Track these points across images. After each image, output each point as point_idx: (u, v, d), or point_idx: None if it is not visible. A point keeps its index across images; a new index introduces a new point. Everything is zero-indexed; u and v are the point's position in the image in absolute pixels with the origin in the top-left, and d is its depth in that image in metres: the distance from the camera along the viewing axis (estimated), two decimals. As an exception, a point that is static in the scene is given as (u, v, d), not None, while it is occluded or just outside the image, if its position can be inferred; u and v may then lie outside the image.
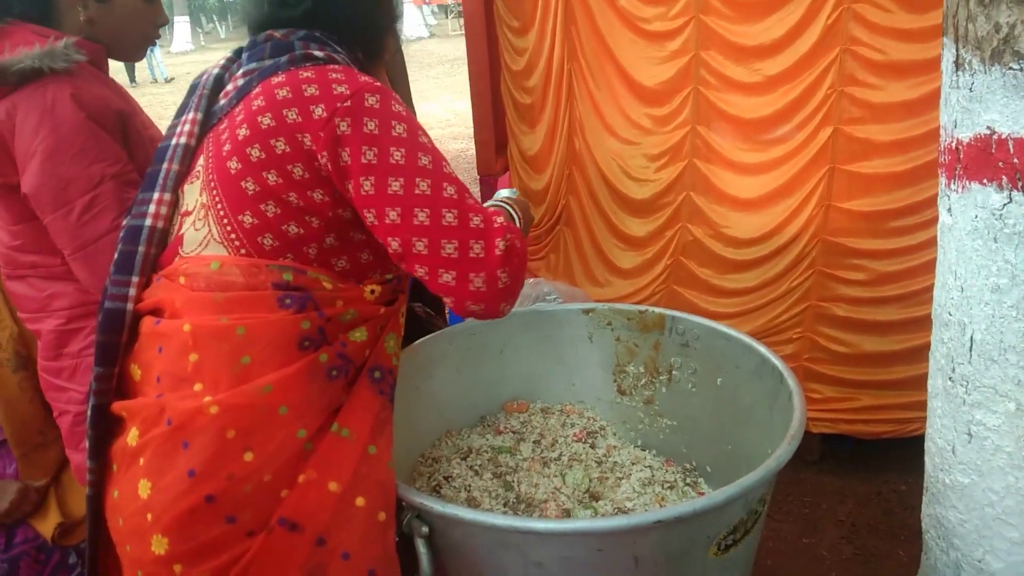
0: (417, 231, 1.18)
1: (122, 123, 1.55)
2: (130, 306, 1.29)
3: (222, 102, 1.35)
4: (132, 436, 1.21)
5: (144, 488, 1.17)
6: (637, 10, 2.51)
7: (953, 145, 1.17)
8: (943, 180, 1.22)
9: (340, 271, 1.29)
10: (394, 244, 1.20)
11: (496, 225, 1.21)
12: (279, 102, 1.22)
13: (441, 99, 11.34)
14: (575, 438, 1.85)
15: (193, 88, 1.40)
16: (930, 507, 1.39)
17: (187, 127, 1.35)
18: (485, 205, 1.42)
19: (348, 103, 1.19)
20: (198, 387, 1.19)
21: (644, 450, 1.87)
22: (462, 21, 3.05)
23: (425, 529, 1.29)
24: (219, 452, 1.15)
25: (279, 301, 1.22)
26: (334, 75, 1.23)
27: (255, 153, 1.22)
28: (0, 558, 1.78)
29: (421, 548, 1.30)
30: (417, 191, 1.19)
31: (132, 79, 17.42)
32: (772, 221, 2.44)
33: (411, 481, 1.69)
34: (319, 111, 1.20)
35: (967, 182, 1.14)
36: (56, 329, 1.63)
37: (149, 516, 1.16)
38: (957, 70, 1.12)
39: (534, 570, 1.25)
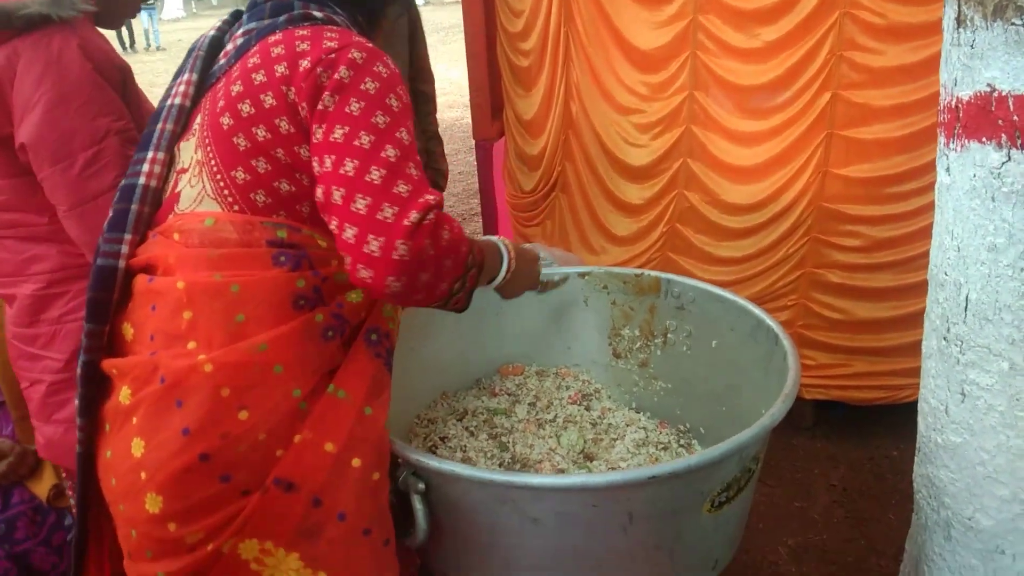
0: (339, 180, 1.13)
1: (123, 79, 1.52)
2: (122, 263, 1.28)
3: (221, 62, 1.34)
4: (124, 395, 1.21)
5: (137, 447, 1.17)
6: (635, -27, 2.48)
7: (953, 104, 1.16)
8: (942, 139, 1.21)
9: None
10: (319, 192, 1.17)
11: (421, 200, 1.13)
12: (272, 59, 1.22)
13: (436, 67, 11.24)
14: (570, 400, 1.86)
15: (191, 51, 1.40)
16: (922, 467, 1.40)
17: (182, 88, 1.34)
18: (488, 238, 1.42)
19: (333, 55, 1.19)
20: (192, 345, 1.18)
21: (638, 412, 1.88)
22: (458, -15, 3.01)
23: (421, 486, 1.30)
24: (213, 410, 1.15)
25: (273, 258, 1.21)
26: (329, 34, 1.23)
27: (246, 108, 1.22)
28: (-2, 518, 1.79)
29: (417, 505, 1.31)
30: (356, 142, 1.14)
31: (131, 45, 17.24)
32: (769, 188, 2.44)
33: (407, 441, 1.70)
34: (305, 63, 1.19)
35: (966, 141, 1.14)
36: (34, 294, 1.57)
37: (143, 475, 1.16)
38: (959, 27, 1.11)
39: (530, 526, 1.26)
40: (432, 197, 1.15)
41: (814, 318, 2.57)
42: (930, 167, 2.17)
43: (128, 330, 1.27)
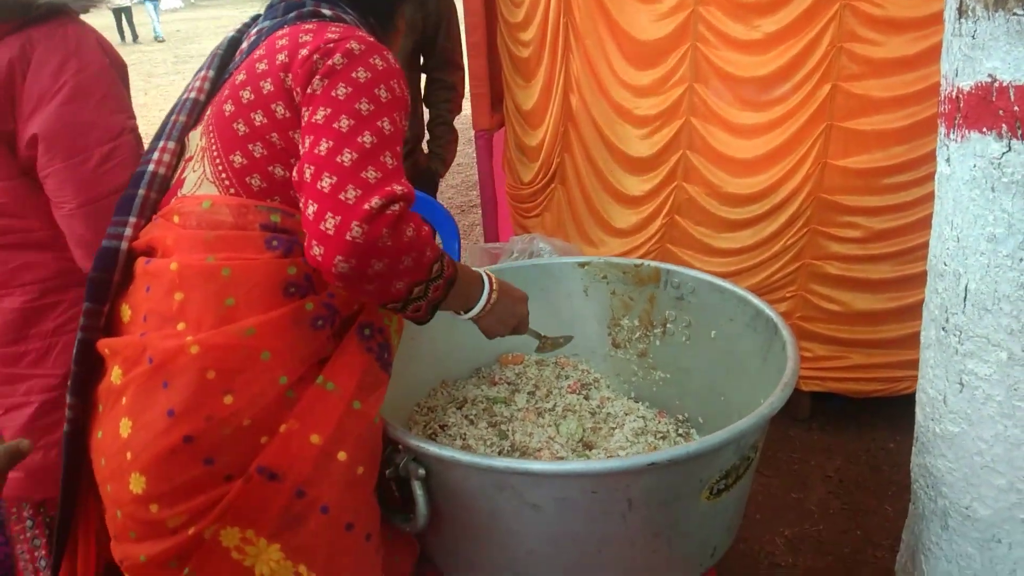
0: (312, 159, 1.14)
1: (125, 79, 1.51)
2: (124, 245, 1.29)
3: (236, 60, 1.39)
4: (116, 375, 1.22)
5: (125, 427, 1.18)
6: (635, -36, 2.48)
7: (953, 94, 1.17)
8: (942, 130, 1.22)
9: None
10: (295, 171, 1.18)
11: (388, 188, 1.11)
12: (276, 49, 1.26)
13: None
14: (569, 390, 1.87)
15: (213, 50, 1.46)
16: (919, 457, 1.41)
17: (198, 83, 1.39)
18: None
19: (331, 45, 1.20)
20: (181, 326, 1.19)
21: (637, 402, 1.88)
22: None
23: (422, 472, 1.31)
24: (198, 392, 1.15)
25: (266, 242, 1.22)
26: (333, 28, 1.26)
27: (246, 95, 1.25)
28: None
29: (418, 491, 1.32)
30: (335, 125, 1.14)
31: (134, 37, 17.15)
32: (768, 179, 2.44)
33: (407, 429, 1.70)
34: (304, 51, 1.21)
35: (966, 131, 1.14)
36: (23, 307, 1.46)
37: (128, 455, 1.17)
38: (960, 17, 1.12)
39: (530, 512, 1.27)
40: (400, 188, 1.13)
41: (812, 310, 2.58)
42: (929, 158, 2.18)
43: (126, 311, 1.28)
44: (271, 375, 1.19)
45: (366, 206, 1.09)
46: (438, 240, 2.31)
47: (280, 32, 1.29)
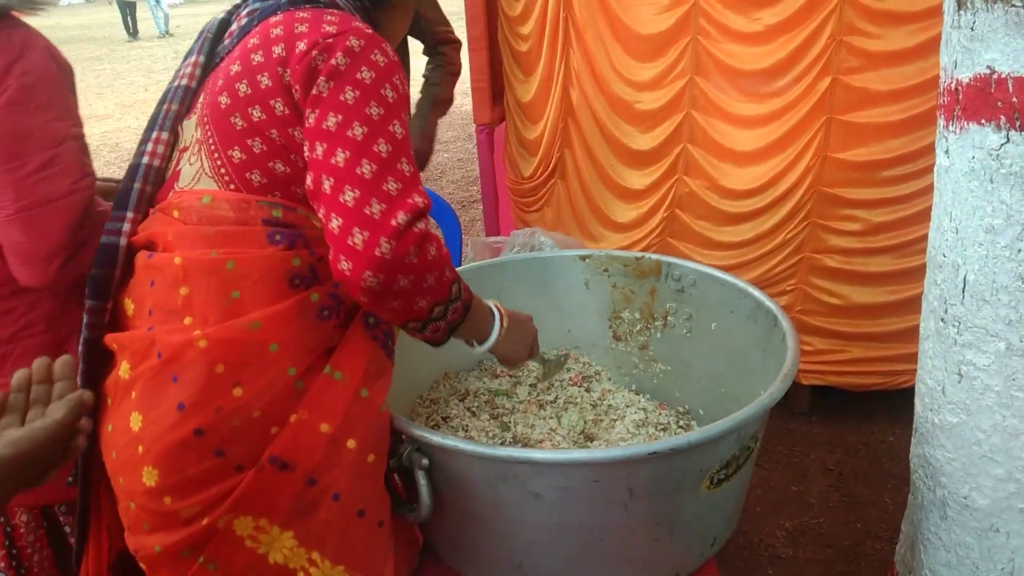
0: (329, 169, 1.14)
1: (71, 85, 1.45)
2: (123, 240, 1.29)
3: (225, 42, 1.36)
4: (124, 369, 1.23)
5: (136, 421, 1.19)
6: (636, -43, 2.48)
7: (953, 86, 1.17)
8: (941, 122, 1.22)
9: None
10: (308, 179, 1.18)
11: (410, 200, 1.14)
12: (271, 39, 1.23)
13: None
14: (571, 382, 1.88)
15: (200, 33, 1.42)
16: (918, 447, 1.42)
17: (189, 69, 1.36)
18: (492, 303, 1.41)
19: (330, 40, 1.18)
20: (188, 320, 1.19)
21: (638, 394, 1.89)
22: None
23: (425, 461, 1.32)
24: (208, 386, 1.16)
25: (268, 237, 1.22)
26: (328, 17, 1.23)
27: (243, 88, 1.23)
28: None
29: (421, 480, 1.33)
30: (349, 132, 1.14)
31: (135, 33, 17.11)
32: (769, 172, 2.45)
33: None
34: (301, 45, 1.19)
35: (965, 123, 1.15)
36: None
37: (140, 448, 1.18)
38: (959, 9, 1.12)
39: (532, 501, 1.28)
40: (421, 200, 1.15)
41: (812, 303, 2.58)
42: (927, 151, 2.19)
43: (129, 305, 1.28)
44: (279, 367, 1.19)
45: (393, 222, 1.10)
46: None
47: (274, 19, 1.25)
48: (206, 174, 1.26)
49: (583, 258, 1.95)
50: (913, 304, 1.39)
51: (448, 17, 2.90)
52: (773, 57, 2.32)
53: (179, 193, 1.28)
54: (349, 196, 1.12)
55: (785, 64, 2.32)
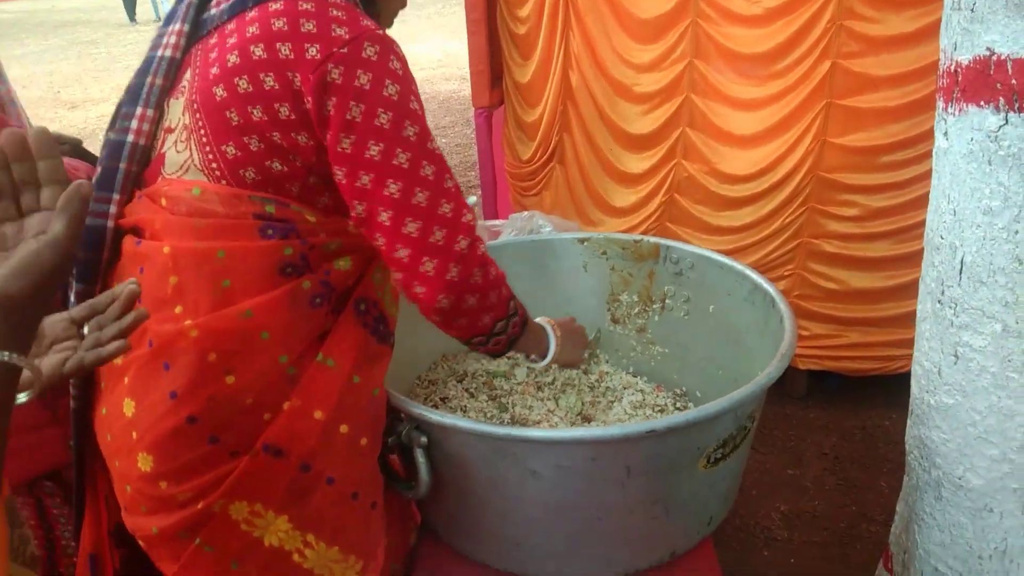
0: (385, 202, 1.17)
1: None
2: (110, 223, 1.26)
3: (212, 12, 1.28)
4: None
5: (128, 407, 1.18)
6: (636, -60, 2.48)
7: (952, 68, 1.18)
8: (940, 104, 1.23)
9: (323, 207, 1.26)
10: (359, 208, 1.19)
11: (464, 220, 1.23)
12: (274, 34, 1.17)
13: (434, 39, 11.21)
14: (569, 364, 1.88)
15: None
16: (914, 428, 1.43)
17: (172, 39, 1.28)
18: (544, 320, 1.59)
19: (345, 49, 1.14)
20: (178, 310, 1.18)
21: (636, 376, 1.90)
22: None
23: (424, 440, 1.33)
24: (200, 374, 1.15)
25: (260, 231, 1.20)
26: (335, 12, 1.17)
27: (243, 84, 1.17)
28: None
29: (420, 458, 1.34)
30: (395, 161, 1.16)
31: (132, 17, 16.99)
32: (768, 157, 2.45)
33: (408, 401, 1.72)
34: (313, 51, 1.14)
35: (964, 104, 1.16)
36: None
37: (134, 434, 1.18)
38: (960, -10, 1.13)
39: (530, 479, 1.29)
40: (469, 215, 1.24)
41: (810, 288, 2.59)
42: (927, 136, 2.18)
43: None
44: (271, 354, 1.19)
45: (456, 247, 1.21)
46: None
47: (274, 7, 1.18)
48: (195, 166, 1.21)
49: (582, 241, 1.95)
50: (911, 289, 1.39)
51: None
52: (773, 40, 2.32)
53: (167, 181, 1.24)
54: (412, 228, 1.19)
55: (785, 48, 2.32)
